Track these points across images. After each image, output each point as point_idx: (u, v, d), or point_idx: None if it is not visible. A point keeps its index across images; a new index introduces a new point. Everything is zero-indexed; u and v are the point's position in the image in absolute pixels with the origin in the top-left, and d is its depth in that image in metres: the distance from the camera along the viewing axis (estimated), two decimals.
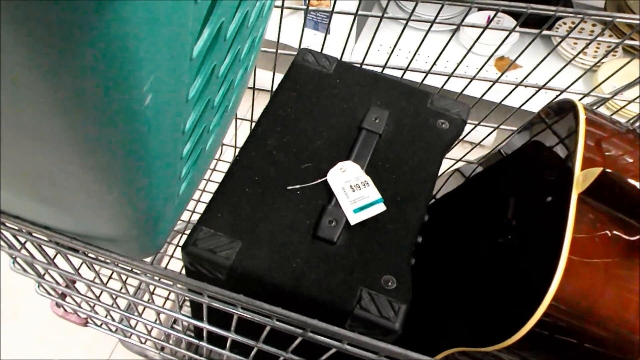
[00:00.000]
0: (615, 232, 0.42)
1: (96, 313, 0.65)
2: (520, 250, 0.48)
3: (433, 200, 0.83)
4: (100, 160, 0.27)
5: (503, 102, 0.75)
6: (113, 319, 0.64)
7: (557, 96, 0.70)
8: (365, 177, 0.52)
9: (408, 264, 0.49)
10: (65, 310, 0.69)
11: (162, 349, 0.80)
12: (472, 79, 0.72)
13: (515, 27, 0.64)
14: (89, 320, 0.68)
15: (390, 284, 0.47)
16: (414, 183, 0.54)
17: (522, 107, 0.74)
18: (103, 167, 0.27)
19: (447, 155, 0.85)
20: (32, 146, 0.26)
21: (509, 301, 0.45)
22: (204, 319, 0.51)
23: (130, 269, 0.41)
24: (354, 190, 0.51)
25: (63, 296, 0.64)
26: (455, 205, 0.73)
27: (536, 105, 0.74)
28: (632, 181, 0.42)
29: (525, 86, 0.72)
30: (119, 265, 0.43)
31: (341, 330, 0.40)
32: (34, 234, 0.45)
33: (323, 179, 0.52)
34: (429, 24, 0.65)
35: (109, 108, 0.23)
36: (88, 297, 0.58)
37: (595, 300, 0.40)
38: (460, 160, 0.83)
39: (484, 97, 0.76)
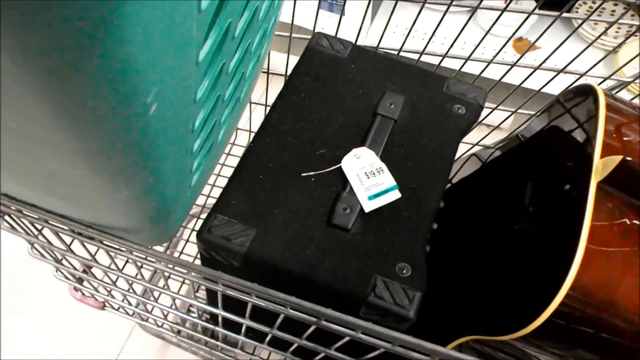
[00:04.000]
0: (634, 220, 0.41)
1: (113, 297, 0.66)
2: (538, 238, 0.48)
3: (449, 185, 0.82)
4: (108, 166, 0.27)
5: (522, 85, 0.73)
6: (130, 303, 0.65)
7: (577, 79, 0.68)
8: (380, 163, 0.52)
9: (423, 252, 0.49)
10: (83, 294, 0.70)
11: (179, 332, 0.81)
12: (489, 62, 0.71)
13: (534, 9, 0.63)
14: (107, 304, 0.69)
15: (405, 271, 0.47)
16: (430, 169, 0.54)
17: (542, 90, 0.73)
18: (111, 172, 0.28)
19: (464, 140, 0.84)
20: (42, 153, 0.26)
21: (526, 290, 0.45)
22: (219, 305, 0.51)
23: (144, 256, 0.42)
24: (368, 177, 0.51)
25: (80, 280, 0.65)
26: (472, 190, 0.72)
27: (555, 88, 0.72)
28: None
29: (544, 69, 0.70)
30: (134, 253, 0.44)
31: (355, 319, 0.40)
32: (50, 222, 0.46)
33: (337, 166, 0.52)
34: (446, 6, 0.64)
35: (114, 121, 0.23)
36: (105, 282, 0.59)
37: (613, 290, 0.39)
38: (477, 144, 0.82)
39: (502, 80, 0.74)
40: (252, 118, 0.91)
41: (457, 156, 0.86)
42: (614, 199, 0.41)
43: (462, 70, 0.76)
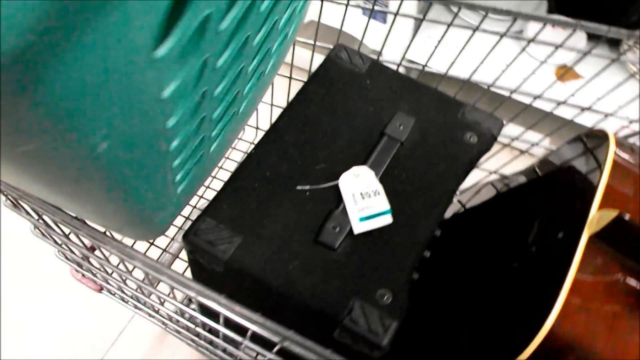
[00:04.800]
0: (624, 280, 0.39)
1: (109, 284, 0.67)
2: (527, 281, 0.46)
3: (463, 210, 0.80)
4: (83, 193, 0.28)
5: (555, 112, 0.71)
6: (124, 293, 0.66)
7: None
8: (377, 185, 0.51)
9: (407, 280, 0.48)
10: (83, 275, 0.72)
11: (177, 321, 0.81)
12: (534, 98, 0.69)
13: (589, 49, 0.61)
14: (104, 289, 0.71)
15: (385, 298, 0.46)
16: (429, 197, 0.52)
17: (575, 121, 0.70)
18: (87, 197, 0.28)
19: (483, 167, 0.82)
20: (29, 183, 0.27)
21: (506, 332, 0.43)
22: (196, 309, 0.51)
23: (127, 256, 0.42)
24: (363, 198, 0.50)
25: (79, 264, 0.66)
26: (481, 220, 0.71)
27: (590, 119, 0.70)
28: None
29: (571, 105, 0.68)
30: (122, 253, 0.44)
31: (317, 347, 0.40)
32: (47, 212, 0.47)
33: (334, 183, 0.52)
34: (487, 23, 0.62)
35: (68, 159, 0.24)
36: (100, 272, 0.60)
37: (590, 347, 0.38)
38: (494, 172, 0.80)
39: (536, 105, 0.72)
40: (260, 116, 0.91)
41: (474, 182, 0.84)
42: (605, 255, 0.40)
43: (498, 90, 0.73)
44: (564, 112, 0.84)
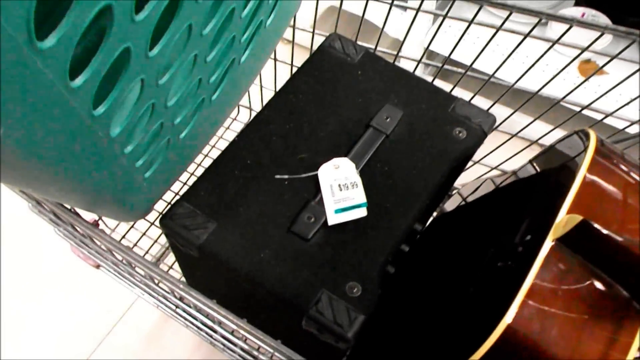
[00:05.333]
0: (585, 287, 0.38)
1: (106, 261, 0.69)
2: (495, 282, 0.46)
3: (463, 204, 0.79)
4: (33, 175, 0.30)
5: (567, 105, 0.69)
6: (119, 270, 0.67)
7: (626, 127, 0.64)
8: (356, 177, 0.51)
9: (380, 274, 0.48)
10: (83, 252, 0.74)
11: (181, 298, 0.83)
12: (561, 99, 0.68)
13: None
14: (101, 266, 0.73)
15: (355, 291, 0.47)
16: (409, 191, 0.52)
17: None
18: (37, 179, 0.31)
19: (483, 161, 0.81)
20: None
21: (462, 332, 0.43)
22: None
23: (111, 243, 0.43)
24: (341, 190, 0.50)
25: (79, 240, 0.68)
26: (472, 216, 0.70)
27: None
28: (616, 236, 0.38)
29: (591, 109, 0.66)
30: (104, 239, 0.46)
31: (270, 339, 0.40)
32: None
33: (313, 173, 0.52)
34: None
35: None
36: (97, 252, 0.62)
37: (545, 351, 0.37)
38: (495, 168, 0.79)
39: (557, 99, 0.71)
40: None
41: (476, 176, 0.83)
42: (570, 260, 0.39)
43: (517, 86, 0.72)
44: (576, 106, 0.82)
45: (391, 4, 0.66)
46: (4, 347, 0.97)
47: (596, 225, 0.38)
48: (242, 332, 0.41)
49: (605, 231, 0.37)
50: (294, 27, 0.72)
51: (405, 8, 1.34)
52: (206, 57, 0.41)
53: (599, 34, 0.58)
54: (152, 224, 0.84)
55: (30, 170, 0.31)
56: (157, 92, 0.37)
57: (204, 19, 0.37)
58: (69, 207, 0.51)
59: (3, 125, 0.26)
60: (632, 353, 0.38)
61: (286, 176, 0.52)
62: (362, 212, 0.49)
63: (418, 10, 0.65)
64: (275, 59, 0.78)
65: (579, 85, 0.68)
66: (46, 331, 0.99)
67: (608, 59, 0.62)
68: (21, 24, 0.23)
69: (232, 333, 0.58)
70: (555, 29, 1.29)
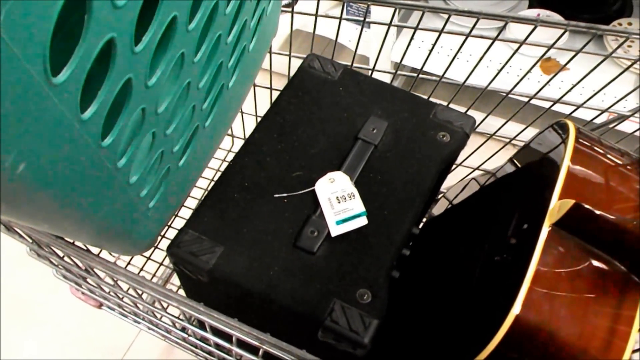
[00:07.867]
0: (588, 266, 0.41)
1: (107, 301, 0.69)
2: (502, 273, 0.48)
3: (450, 207, 0.82)
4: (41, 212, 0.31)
5: (534, 102, 0.73)
6: (122, 307, 0.68)
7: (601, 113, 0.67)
8: (352, 188, 0.53)
9: (386, 279, 0.49)
10: (83, 293, 0.74)
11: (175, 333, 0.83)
12: (510, 91, 0.71)
13: (560, 36, 0.62)
14: (103, 305, 0.73)
15: (365, 297, 0.48)
16: (404, 197, 0.54)
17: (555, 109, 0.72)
18: (45, 216, 0.32)
19: (465, 163, 0.83)
20: None
21: (473, 327, 0.45)
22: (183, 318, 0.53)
23: (113, 272, 0.44)
24: (339, 202, 0.52)
25: (78, 283, 0.68)
26: (462, 215, 0.72)
27: (568, 108, 0.72)
28: (607, 215, 0.41)
29: (563, 103, 0.70)
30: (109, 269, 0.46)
31: (293, 348, 0.41)
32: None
33: (311, 189, 0.53)
34: (472, 25, 0.64)
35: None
36: (98, 290, 0.62)
37: (556, 333, 0.39)
38: (477, 169, 0.82)
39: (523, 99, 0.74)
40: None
41: (460, 179, 0.86)
42: (568, 243, 0.41)
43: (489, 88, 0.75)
44: (543, 102, 0.86)
45: (363, 23, 0.68)
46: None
47: (588, 207, 0.40)
48: (265, 346, 0.41)
49: (597, 212, 0.40)
50: (270, 51, 0.74)
51: (369, 24, 1.38)
52: (198, 83, 0.43)
53: (557, 32, 0.62)
54: (156, 247, 0.84)
55: (43, 202, 0.32)
56: (156, 121, 0.39)
57: (195, 46, 0.39)
58: (70, 240, 0.51)
59: (24, 159, 0.27)
60: (636, 325, 0.40)
61: (285, 194, 0.53)
62: (362, 221, 0.51)
63: (389, 25, 0.68)
64: (254, 85, 0.80)
65: (547, 82, 0.72)
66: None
67: (566, 54, 0.66)
68: (38, 60, 0.24)
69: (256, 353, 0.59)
70: (513, 30, 1.34)
